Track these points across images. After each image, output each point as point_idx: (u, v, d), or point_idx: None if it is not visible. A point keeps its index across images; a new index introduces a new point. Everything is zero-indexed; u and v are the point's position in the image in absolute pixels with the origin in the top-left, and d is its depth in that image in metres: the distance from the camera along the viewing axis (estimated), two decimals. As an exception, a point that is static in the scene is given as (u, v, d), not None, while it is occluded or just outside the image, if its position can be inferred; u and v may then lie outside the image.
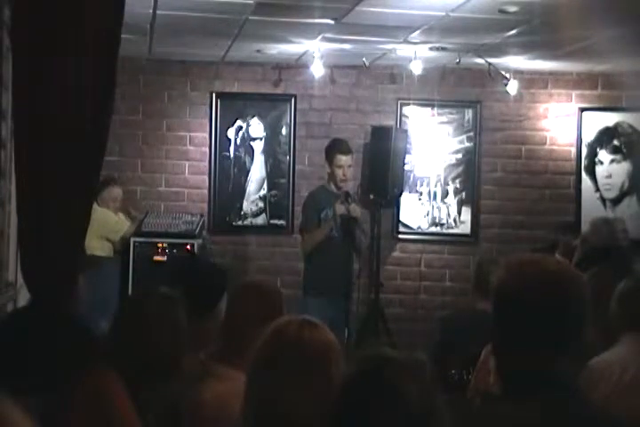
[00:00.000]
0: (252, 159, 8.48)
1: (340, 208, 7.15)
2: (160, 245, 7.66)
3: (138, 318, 3.10)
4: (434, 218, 8.57)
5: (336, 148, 7.38)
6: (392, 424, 1.94)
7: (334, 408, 2.02)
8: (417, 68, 7.61)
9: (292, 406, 2.38)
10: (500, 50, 7.28)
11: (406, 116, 8.56)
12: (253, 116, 8.47)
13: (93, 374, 2.99)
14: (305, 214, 7.43)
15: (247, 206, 8.47)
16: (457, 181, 8.59)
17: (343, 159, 7.29)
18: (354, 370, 2.05)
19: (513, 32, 6.55)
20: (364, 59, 7.93)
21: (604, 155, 8.60)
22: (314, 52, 7.45)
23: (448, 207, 8.58)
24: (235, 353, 3.14)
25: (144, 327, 3.06)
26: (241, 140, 8.47)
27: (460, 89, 8.55)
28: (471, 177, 8.58)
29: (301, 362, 2.42)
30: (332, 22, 6.37)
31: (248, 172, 8.47)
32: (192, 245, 7.65)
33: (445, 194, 8.58)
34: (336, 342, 2.53)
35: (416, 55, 7.44)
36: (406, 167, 8.37)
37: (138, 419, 2.92)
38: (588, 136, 8.62)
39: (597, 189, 8.61)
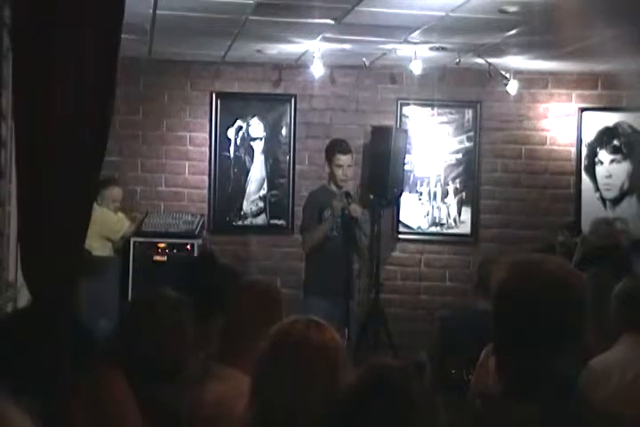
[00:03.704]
0: (252, 159, 8.47)
1: (339, 205, 7.12)
2: (160, 245, 7.67)
3: (143, 319, 3.11)
4: (434, 218, 8.56)
5: (336, 148, 7.38)
6: None
7: (335, 418, 2.01)
8: (417, 69, 7.60)
9: (298, 406, 2.39)
10: (499, 50, 7.28)
11: (406, 117, 8.56)
12: (253, 116, 8.46)
13: (94, 373, 2.99)
14: (305, 214, 7.42)
15: (247, 206, 8.46)
16: (457, 181, 8.59)
17: (343, 159, 7.28)
18: (356, 382, 2.04)
19: (513, 32, 6.55)
20: (364, 59, 7.93)
21: (603, 155, 8.60)
22: (314, 52, 7.44)
23: (448, 207, 8.57)
24: (235, 353, 3.14)
25: (149, 328, 3.07)
26: (241, 140, 8.46)
27: (460, 89, 8.55)
28: (471, 177, 8.58)
29: (307, 362, 2.43)
30: (332, 22, 6.37)
31: (248, 172, 8.47)
32: (192, 246, 7.65)
33: (445, 194, 8.58)
34: (341, 342, 2.54)
35: (416, 55, 7.43)
36: (406, 167, 8.37)
37: (140, 418, 2.92)
38: (588, 136, 8.61)
39: (597, 189, 8.60)
